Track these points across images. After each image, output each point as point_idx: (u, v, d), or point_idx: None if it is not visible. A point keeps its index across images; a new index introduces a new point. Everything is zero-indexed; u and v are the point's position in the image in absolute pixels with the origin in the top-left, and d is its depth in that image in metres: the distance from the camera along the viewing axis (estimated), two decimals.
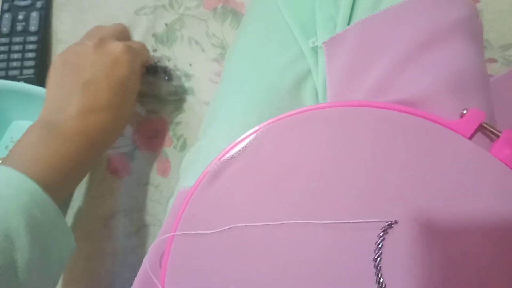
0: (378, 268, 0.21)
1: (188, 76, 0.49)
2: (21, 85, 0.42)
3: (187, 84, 0.49)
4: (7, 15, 0.49)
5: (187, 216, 0.25)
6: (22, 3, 0.49)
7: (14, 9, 0.49)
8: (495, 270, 0.21)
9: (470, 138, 0.25)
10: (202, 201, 0.25)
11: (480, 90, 0.28)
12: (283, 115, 0.26)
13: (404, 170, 0.24)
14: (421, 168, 0.24)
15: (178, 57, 0.50)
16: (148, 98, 0.48)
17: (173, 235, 0.25)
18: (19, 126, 0.46)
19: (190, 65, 0.49)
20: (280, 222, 0.23)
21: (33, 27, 0.48)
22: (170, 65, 0.49)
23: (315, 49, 0.32)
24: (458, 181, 0.23)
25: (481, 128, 0.26)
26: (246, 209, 0.25)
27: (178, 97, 0.48)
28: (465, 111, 0.26)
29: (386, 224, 0.22)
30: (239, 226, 0.24)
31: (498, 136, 0.25)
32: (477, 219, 0.22)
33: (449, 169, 0.24)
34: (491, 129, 0.25)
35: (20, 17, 0.49)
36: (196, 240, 0.24)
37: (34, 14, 0.49)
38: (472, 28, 0.30)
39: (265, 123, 0.26)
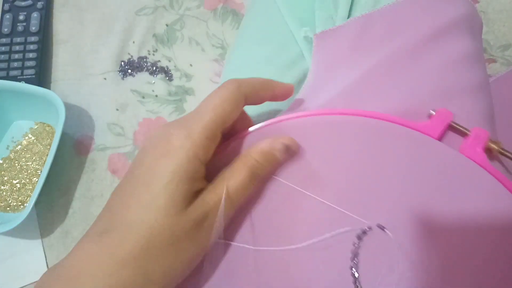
0: (356, 277, 0.21)
1: (188, 77, 0.49)
2: (22, 85, 0.42)
3: (187, 84, 0.49)
4: (8, 16, 0.49)
5: None
6: (23, 3, 0.50)
7: (14, 10, 0.49)
8: (468, 273, 0.21)
9: (439, 139, 0.25)
10: None
11: (476, 91, 0.28)
12: (262, 125, 0.25)
13: (376, 177, 0.23)
14: (392, 173, 0.23)
15: (178, 57, 0.50)
16: (148, 98, 0.48)
17: None
18: (20, 127, 0.46)
19: (191, 65, 0.49)
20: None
21: (33, 28, 0.48)
22: (170, 65, 0.49)
23: (311, 49, 0.32)
24: (430, 183, 0.23)
25: (451, 127, 0.26)
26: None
27: (179, 97, 0.48)
28: (433, 112, 0.26)
29: (361, 231, 0.22)
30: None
31: (467, 134, 0.25)
32: (449, 220, 0.22)
33: (420, 172, 0.23)
34: (460, 128, 0.25)
35: (21, 17, 0.49)
36: None
37: (35, 15, 0.49)
38: (470, 26, 0.30)
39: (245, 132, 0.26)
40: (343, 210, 0.22)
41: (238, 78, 0.24)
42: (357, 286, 0.21)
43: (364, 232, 0.22)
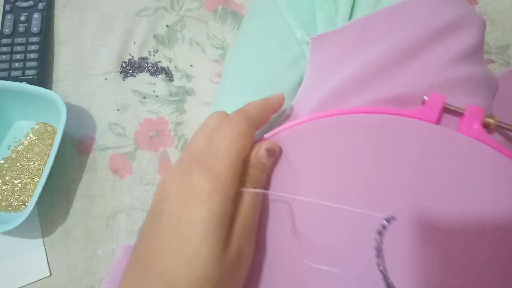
0: (384, 272, 0.21)
1: (188, 77, 0.49)
2: (23, 86, 0.42)
3: (187, 85, 0.49)
4: (9, 16, 0.49)
5: None
6: (24, 4, 0.50)
7: (16, 10, 0.49)
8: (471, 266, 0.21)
9: (437, 122, 0.25)
10: None
11: (472, 89, 0.28)
12: (276, 130, 0.26)
13: (378, 172, 0.23)
14: (395, 167, 0.23)
15: (179, 58, 0.50)
16: (149, 99, 0.48)
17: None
18: (21, 127, 0.46)
19: (191, 66, 0.50)
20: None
21: (35, 28, 0.48)
22: (171, 66, 0.50)
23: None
24: (434, 169, 0.23)
25: (446, 110, 0.26)
26: None
27: (179, 98, 0.48)
28: (426, 97, 0.26)
29: (381, 226, 0.22)
30: None
31: (463, 114, 0.25)
32: (455, 203, 0.22)
33: (424, 157, 0.23)
34: (455, 109, 0.25)
35: (22, 18, 0.49)
36: None
37: (36, 15, 0.49)
38: (468, 28, 0.30)
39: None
40: (356, 210, 0.22)
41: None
42: (387, 282, 0.21)
43: (384, 227, 0.22)
